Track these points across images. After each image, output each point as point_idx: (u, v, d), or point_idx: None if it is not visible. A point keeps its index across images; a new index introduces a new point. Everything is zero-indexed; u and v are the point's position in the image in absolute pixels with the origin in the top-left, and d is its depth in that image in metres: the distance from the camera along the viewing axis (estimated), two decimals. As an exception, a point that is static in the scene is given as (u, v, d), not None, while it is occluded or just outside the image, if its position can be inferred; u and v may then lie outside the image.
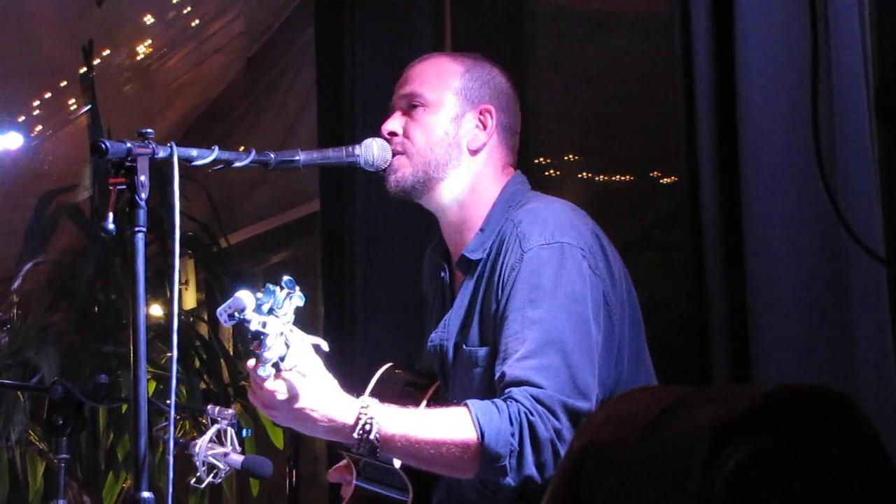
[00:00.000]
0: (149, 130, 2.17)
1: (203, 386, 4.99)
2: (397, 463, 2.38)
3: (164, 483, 2.07)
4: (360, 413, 2.24)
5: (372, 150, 2.50)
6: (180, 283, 5.81)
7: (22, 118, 5.93)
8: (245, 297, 2.03)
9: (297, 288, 2.08)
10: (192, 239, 5.18)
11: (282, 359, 2.11)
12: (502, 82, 2.58)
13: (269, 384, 2.18)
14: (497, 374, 2.29)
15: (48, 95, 5.87)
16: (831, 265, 2.34)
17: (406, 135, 2.52)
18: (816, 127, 2.18)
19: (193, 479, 2.67)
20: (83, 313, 5.05)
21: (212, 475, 2.67)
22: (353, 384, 2.31)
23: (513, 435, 2.20)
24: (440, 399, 2.48)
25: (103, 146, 2.11)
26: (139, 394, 2.05)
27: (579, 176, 4.22)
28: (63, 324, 5.04)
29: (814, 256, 2.36)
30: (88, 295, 5.06)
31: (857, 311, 2.30)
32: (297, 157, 2.43)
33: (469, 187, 2.52)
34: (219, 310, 2.05)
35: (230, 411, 2.74)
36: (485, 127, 2.53)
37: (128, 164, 2.12)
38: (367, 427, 2.23)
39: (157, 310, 5.03)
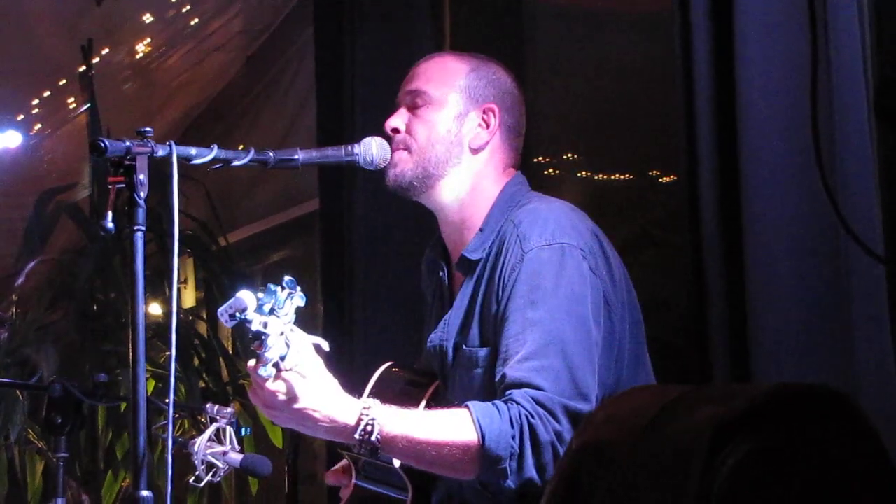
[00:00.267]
0: (148, 129, 2.17)
1: (202, 384, 4.99)
2: (397, 462, 2.38)
3: (162, 482, 2.07)
4: (362, 414, 2.24)
5: (371, 149, 2.50)
6: (179, 282, 5.81)
7: (21, 117, 5.93)
8: (246, 297, 2.03)
9: (298, 288, 2.08)
10: (192, 237, 5.18)
11: (282, 358, 2.11)
12: (508, 83, 2.58)
13: (271, 384, 2.18)
14: (498, 376, 2.29)
15: (47, 94, 5.87)
16: (831, 264, 2.34)
17: (409, 131, 2.52)
18: (816, 126, 2.18)
19: (192, 478, 2.66)
20: (82, 312, 5.04)
21: (211, 474, 2.66)
22: (352, 383, 2.31)
23: (513, 437, 2.20)
24: (440, 398, 2.48)
25: (102, 145, 2.11)
26: (138, 392, 2.05)
27: (578, 175, 4.22)
28: (62, 322, 5.04)
29: (813, 255, 2.36)
30: (88, 293, 5.06)
31: (856, 311, 2.30)
32: (296, 156, 2.43)
33: (469, 186, 2.52)
34: (220, 310, 2.05)
35: (229, 410, 2.74)
36: (487, 126, 2.53)
37: (127, 162, 2.12)
38: (369, 428, 2.23)
39: (156, 308, 5.03)
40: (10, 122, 5.87)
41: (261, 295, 2.04)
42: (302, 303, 2.09)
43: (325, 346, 2.22)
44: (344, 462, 2.67)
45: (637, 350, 2.45)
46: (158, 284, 4.79)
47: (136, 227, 2.10)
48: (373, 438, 2.23)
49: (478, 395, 2.34)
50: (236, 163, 2.35)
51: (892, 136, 2.36)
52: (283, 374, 2.16)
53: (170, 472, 2.07)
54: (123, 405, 4.24)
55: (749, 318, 2.40)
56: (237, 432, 2.73)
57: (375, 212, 3.91)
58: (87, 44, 5.33)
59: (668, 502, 0.98)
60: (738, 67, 2.43)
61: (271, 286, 2.05)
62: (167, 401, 2.13)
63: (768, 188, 2.39)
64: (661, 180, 3.87)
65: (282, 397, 2.19)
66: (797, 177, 2.36)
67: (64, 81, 5.75)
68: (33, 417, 4.64)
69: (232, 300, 2.03)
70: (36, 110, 5.94)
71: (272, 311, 2.05)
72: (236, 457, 2.66)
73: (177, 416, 4.31)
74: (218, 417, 2.71)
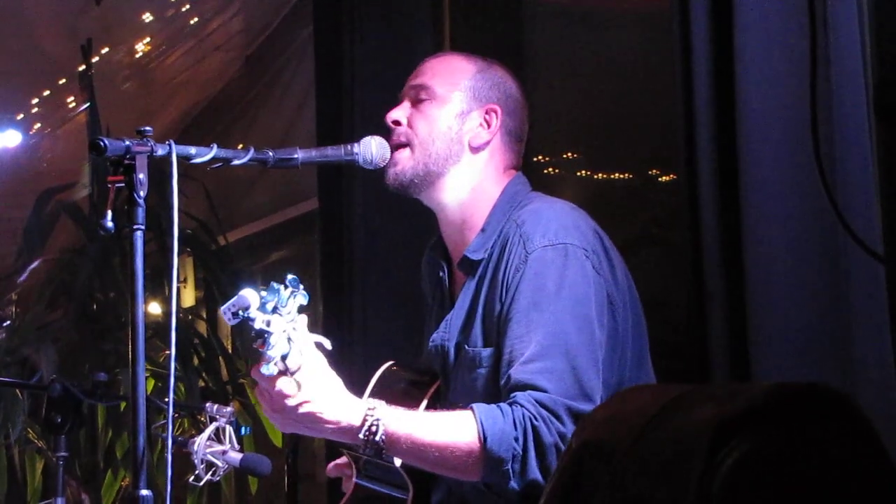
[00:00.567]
0: (147, 128, 2.17)
1: (201, 384, 4.99)
2: (398, 461, 2.38)
3: (162, 481, 2.06)
4: (367, 414, 2.24)
5: (370, 148, 2.50)
6: (179, 281, 5.81)
7: (21, 116, 5.93)
8: (249, 295, 2.03)
9: (301, 286, 2.08)
10: (191, 237, 5.18)
11: (284, 357, 2.11)
12: (512, 88, 2.59)
13: (279, 386, 2.17)
14: (503, 378, 2.29)
15: (47, 93, 5.87)
16: (830, 263, 2.34)
17: (410, 125, 2.52)
18: (815, 125, 2.18)
19: (192, 477, 2.67)
20: (82, 311, 5.04)
21: (210, 473, 2.66)
22: (352, 383, 2.31)
23: (516, 439, 2.20)
24: (441, 398, 2.48)
25: (102, 144, 2.11)
26: (138, 392, 2.05)
27: (578, 174, 4.22)
28: (62, 321, 5.04)
29: (813, 255, 2.36)
30: (87, 293, 5.06)
31: (856, 310, 2.30)
32: (295, 156, 2.43)
33: (470, 186, 2.52)
34: (223, 308, 2.05)
35: (228, 409, 2.74)
36: (489, 126, 2.53)
37: (126, 162, 2.12)
38: (374, 428, 2.23)
39: (155, 308, 5.03)
40: (10, 122, 5.87)
41: (264, 293, 2.04)
42: (305, 301, 2.09)
43: (328, 344, 2.22)
44: (344, 459, 2.67)
45: (639, 350, 2.45)
46: (158, 284, 4.79)
47: (135, 227, 2.09)
48: (377, 438, 2.23)
49: (480, 396, 2.34)
50: (236, 162, 2.35)
51: (891, 135, 2.35)
52: (292, 374, 2.16)
53: (169, 472, 2.07)
54: (123, 404, 4.24)
55: (748, 317, 2.40)
56: (237, 431, 2.73)
57: (375, 211, 3.91)
58: (86, 43, 5.33)
59: (668, 501, 0.98)
60: (738, 66, 2.43)
61: (274, 284, 2.05)
62: (167, 400, 2.13)
63: (768, 187, 2.39)
64: (660, 179, 3.87)
65: (290, 401, 2.19)
66: (797, 176, 2.36)
67: (63, 81, 5.75)
68: (33, 417, 4.64)
69: (235, 298, 2.03)
70: (35, 109, 5.95)
71: (275, 310, 2.05)
72: (236, 456, 2.66)
73: (176, 415, 4.31)
74: (217, 416, 2.71)
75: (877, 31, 2.34)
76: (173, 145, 2.20)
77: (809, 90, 2.19)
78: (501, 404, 2.24)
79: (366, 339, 3.92)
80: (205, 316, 5.72)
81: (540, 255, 2.33)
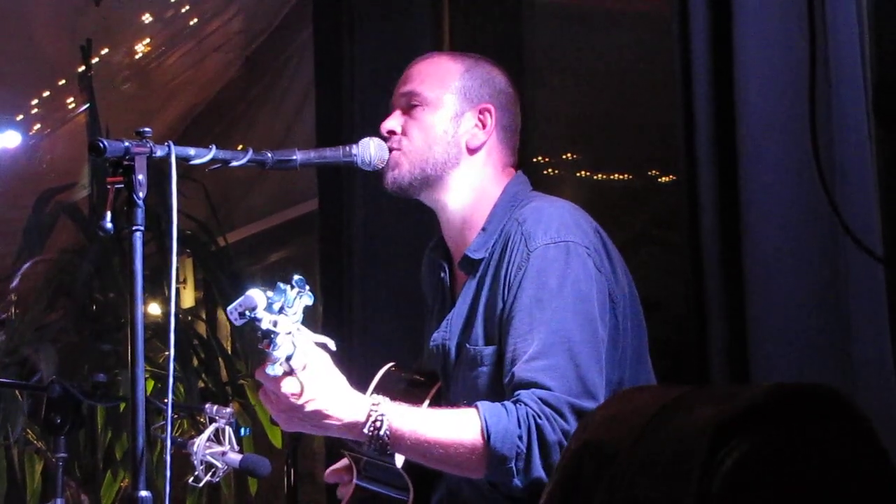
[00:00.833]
0: (147, 129, 2.16)
1: (201, 385, 4.99)
2: (399, 462, 2.38)
3: (161, 482, 2.06)
4: (371, 410, 2.24)
5: (369, 150, 2.50)
6: (178, 282, 5.83)
7: (20, 117, 5.93)
8: (256, 295, 2.02)
9: (307, 287, 2.07)
10: (191, 238, 5.18)
11: (289, 358, 2.11)
12: (502, 82, 2.58)
13: (284, 386, 2.17)
14: (506, 377, 2.29)
15: (46, 94, 5.87)
16: (829, 264, 2.34)
17: (405, 133, 2.51)
18: (814, 126, 2.18)
19: (191, 478, 2.67)
20: (81, 312, 5.04)
21: (210, 474, 2.66)
22: (352, 384, 2.31)
23: (520, 437, 2.20)
24: (442, 399, 2.48)
25: (101, 145, 2.10)
26: (137, 392, 2.05)
27: (577, 175, 4.23)
28: (61, 322, 5.04)
29: (812, 256, 2.36)
30: (86, 293, 5.06)
31: (855, 310, 2.30)
32: (294, 157, 2.43)
33: (469, 187, 2.52)
34: (229, 308, 2.04)
35: (228, 410, 2.74)
36: (484, 126, 2.52)
37: (126, 162, 2.12)
38: (378, 424, 2.23)
39: (155, 308, 5.03)
40: (10, 122, 5.87)
41: (270, 293, 2.04)
42: (310, 301, 2.08)
43: (332, 344, 2.21)
44: (343, 461, 2.67)
45: (639, 348, 2.45)
46: (157, 284, 4.79)
47: (134, 228, 2.09)
48: (381, 434, 2.23)
49: (481, 394, 2.34)
50: (235, 163, 2.34)
51: (891, 137, 2.36)
52: (297, 374, 2.16)
53: (168, 473, 2.07)
54: (122, 405, 4.25)
55: (748, 318, 2.40)
56: (236, 432, 2.73)
57: (374, 212, 3.91)
58: (86, 44, 5.33)
59: (668, 501, 0.98)
60: (737, 67, 2.43)
61: (281, 285, 2.05)
62: (166, 401, 2.12)
63: (767, 188, 2.40)
64: (660, 180, 3.87)
65: (296, 400, 2.19)
66: (796, 177, 2.36)
67: (63, 81, 5.75)
68: (32, 418, 4.63)
69: (242, 298, 2.03)
70: (35, 110, 5.95)
71: (281, 310, 2.05)
72: (235, 457, 2.66)
73: (176, 416, 4.31)
74: (217, 417, 2.71)
75: (876, 33, 2.35)
76: (172, 146, 2.20)
77: (809, 91, 2.20)
78: (505, 402, 2.24)
79: (365, 341, 3.92)
80: (204, 317, 5.72)
81: (542, 252, 2.33)
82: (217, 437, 2.69)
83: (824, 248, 2.34)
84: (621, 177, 4.12)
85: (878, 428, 1.06)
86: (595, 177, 4.18)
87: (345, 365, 2.29)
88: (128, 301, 2.09)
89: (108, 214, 2.07)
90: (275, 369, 2.12)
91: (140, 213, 2.10)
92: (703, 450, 0.97)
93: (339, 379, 2.25)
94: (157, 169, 2.17)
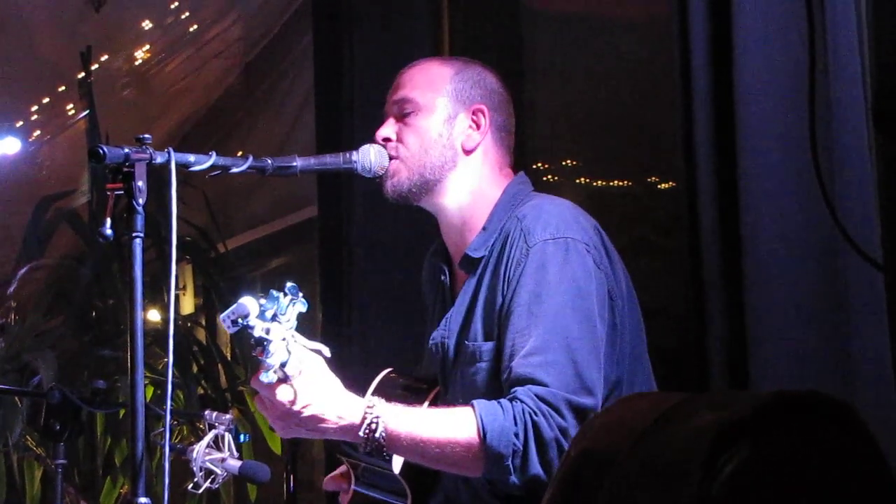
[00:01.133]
0: (146, 136, 2.17)
1: (200, 391, 4.99)
2: (396, 468, 2.38)
3: (161, 488, 2.06)
4: (367, 412, 2.24)
5: (369, 156, 2.50)
6: (178, 289, 5.83)
7: (20, 123, 5.94)
8: (249, 303, 2.03)
9: (301, 294, 2.08)
10: (190, 244, 5.18)
11: (283, 365, 2.11)
12: (494, 83, 2.58)
13: (280, 394, 2.18)
14: (504, 372, 2.29)
15: (46, 100, 5.87)
16: (829, 271, 2.34)
17: (400, 140, 2.52)
18: (814, 132, 2.18)
19: (191, 485, 2.66)
20: (81, 318, 5.04)
21: (209, 480, 2.66)
22: (351, 389, 2.31)
23: (516, 435, 2.20)
24: (440, 404, 2.48)
25: (101, 151, 2.11)
26: (136, 399, 2.05)
27: (577, 181, 4.22)
28: (61, 329, 5.04)
29: (811, 262, 2.36)
30: (86, 300, 5.06)
31: (854, 317, 2.30)
32: (294, 164, 2.43)
33: (468, 189, 2.52)
34: (222, 315, 2.05)
35: (227, 416, 2.74)
36: (478, 126, 2.53)
37: (126, 169, 2.12)
38: (373, 426, 2.23)
39: (154, 315, 5.03)
40: (9, 129, 5.88)
41: (263, 301, 2.04)
42: (304, 308, 2.09)
43: (327, 351, 2.22)
44: (342, 468, 2.67)
45: (637, 346, 2.45)
46: (157, 291, 4.78)
47: (134, 234, 2.09)
48: (377, 436, 2.23)
49: (480, 391, 2.34)
50: (235, 170, 2.35)
51: (891, 144, 2.36)
52: (291, 380, 2.16)
53: (167, 479, 2.07)
54: (122, 412, 4.25)
55: (747, 324, 2.40)
56: (236, 439, 2.73)
57: (374, 218, 3.91)
58: (86, 50, 5.34)
59: (668, 507, 0.98)
60: (737, 73, 2.43)
61: (273, 292, 2.05)
62: (165, 407, 2.12)
63: (766, 194, 2.40)
64: (659, 187, 3.87)
65: (291, 406, 2.19)
66: (795, 183, 2.36)
67: (63, 88, 5.75)
68: (32, 424, 4.63)
69: (234, 306, 2.03)
70: (35, 117, 5.95)
71: (274, 317, 2.05)
72: (235, 463, 2.66)
73: (175, 422, 4.31)
74: (216, 424, 2.71)
75: (875, 39, 2.35)
76: (172, 153, 2.20)
77: (808, 97, 2.20)
78: (502, 400, 2.24)
79: (364, 346, 3.92)
80: (204, 323, 5.72)
81: (541, 248, 2.33)
82: (216, 444, 2.69)
83: (823, 254, 2.34)
84: (621, 183, 4.12)
85: (878, 433, 1.06)
86: (594, 183, 4.18)
87: (343, 371, 2.29)
88: (127, 307, 2.09)
89: (108, 221, 2.07)
90: (269, 376, 2.12)
91: (140, 220, 2.10)
92: (704, 455, 0.97)
93: (333, 383, 2.25)
94: (157, 175, 2.17)
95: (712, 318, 2.49)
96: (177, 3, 5.49)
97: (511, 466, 2.21)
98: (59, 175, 6.02)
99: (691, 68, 2.53)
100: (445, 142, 2.51)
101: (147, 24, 5.60)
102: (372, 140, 2.54)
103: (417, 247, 3.09)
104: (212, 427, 2.71)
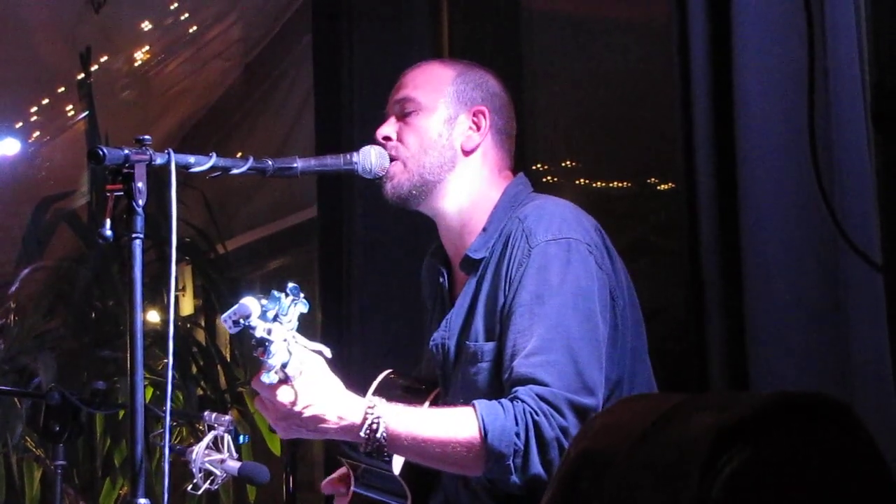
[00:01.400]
0: (146, 137, 2.17)
1: (200, 392, 4.99)
2: (396, 469, 2.38)
3: (160, 489, 2.06)
4: (367, 412, 2.24)
5: (369, 158, 2.50)
6: (177, 290, 5.83)
7: (19, 124, 5.94)
8: (250, 303, 2.03)
9: (302, 294, 2.08)
10: (190, 245, 5.18)
11: (284, 365, 2.11)
12: (495, 86, 2.59)
13: (280, 395, 2.18)
14: (505, 372, 2.30)
15: (46, 101, 5.87)
16: (828, 272, 2.34)
17: (400, 139, 2.52)
18: (813, 133, 2.18)
19: (190, 486, 2.66)
20: (80, 319, 5.05)
21: (208, 482, 2.66)
22: (351, 390, 2.31)
23: (517, 434, 2.20)
24: (440, 405, 2.48)
25: (101, 153, 2.11)
26: (136, 400, 2.05)
27: (576, 182, 4.23)
28: (60, 330, 5.04)
29: (811, 263, 2.36)
30: (86, 301, 5.06)
31: (854, 318, 2.30)
32: (294, 165, 2.43)
33: (467, 190, 2.52)
34: (223, 316, 2.05)
35: (227, 417, 2.74)
36: (478, 128, 2.53)
37: (125, 170, 2.12)
38: (374, 426, 2.23)
39: (154, 316, 5.03)
40: (9, 130, 5.88)
41: (264, 301, 2.04)
42: (305, 309, 2.09)
43: (328, 352, 2.22)
44: (341, 471, 2.67)
45: (638, 347, 2.45)
46: (156, 292, 4.78)
47: (134, 235, 2.09)
48: (378, 435, 2.23)
49: (481, 391, 2.34)
50: (235, 171, 2.35)
51: (890, 145, 2.36)
52: (292, 381, 2.16)
53: (167, 480, 2.07)
54: (121, 413, 4.24)
55: (746, 325, 2.40)
56: (235, 440, 2.73)
57: (373, 220, 3.91)
58: (85, 51, 5.34)
59: (667, 508, 0.98)
60: (736, 74, 2.43)
61: (275, 293, 2.05)
62: (165, 408, 2.12)
63: (766, 196, 2.40)
64: (659, 188, 3.87)
65: (294, 407, 2.19)
66: (795, 184, 2.36)
67: (62, 89, 5.75)
68: (31, 425, 4.63)
69: (236, 307, 2.03)
70: (34, 118, 5.95)
71: (276, 318, 2.05)
72: (234, 464, 2.66)
73: (174, 423, 4.31)
74: (216, 425, 2.71)
75: (875, 40, 2.35)
76: (172, 154, 2.20)
77: (808, 98, 2.20)
78: (503, 400, 2.24)
79: (364, 348, 3.92)
80: (203, 324, 5.72)
81: (543, 248, 2.33)
82: (216, 445, 2.69)
83: (823, 255, 2.34)
84: (620, 184, 4.12)
85: (877, 435, 1.06)
86: (594, 184, 4.19)
87: (343, 371, 2.29)
88: (127, 308, 2.09)
89: (108, 222, 2.07)
90: (270, 377, 2.12)
91: (139, 221, 2.10)
92: (703, 457, 0.97)
93: (334, 383, 2.25)
94: (157, 176, 2.17)
95: (712, 319, 2.50)
96: (176, 4, 5.49)
97: (512, 466, 2.21)
98: (59, 176, 6.02)
99: (691, 69, 2.53)
100: (445, 142, 2.51)
101: (147, 25, 5.60)
102: (372, 139, 2.54)
103: (417, 248, 3.09)
104: (211, 428, 2.71)
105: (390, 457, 2.33)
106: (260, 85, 6.02)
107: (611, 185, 4.16)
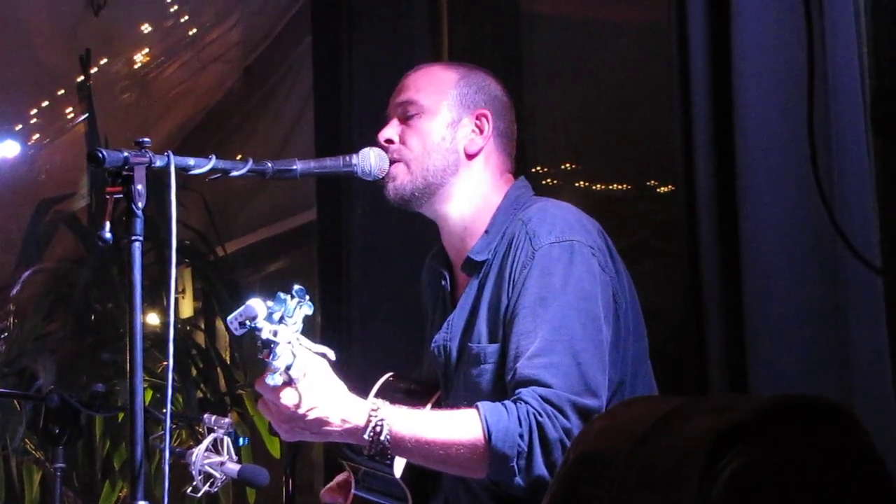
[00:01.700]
0: (146, 139, 2.17)
1: (200, 395, 4.98)
2: (397, 472, 2.38)
3: (160, 492, 2.06)
4: (371, 415, 2.24)
5: (369, 160, 2.50)
6: (177, 292, 5.83)
7: (19, 127, 5.93)
8: (256, 305, 2.03)
9: (307, 296, 2.08)
10: (189, 248, 5.18)
11: (288, 368, 2.11)
12: (497, 89, 2.59)
13: (284, 397, 2.18)
14: (508, 374, 2.30)
15: (45, 104, 5.87)
16: (828, 275, 2.34)
17: (402, 142, 2.52)
18: (812, 136, 2.19)
19: (190, 489, 2.66)
20: (80, 322, 5.04)
21: (208, 484, 2.66)
22: (352, 393, 2.31)
23: (521, 436, 2.20)
24: (442, 407, 2.48)
25: (100, 155, 2.11)
26: (135, 402, 2.05)
27: (576, 184, 4.23)
28: (60, 332, 5.04)
29: (810, 266, 2.37)
30: (85, 303, 5.06)
31: (853, 321, 2.30)
32: (294, 167, 2.43)
33: (469, 193, 2.52)
34: (229, 318, 2.05)
35: (227, 420, 2.74)
36: (481, 131, 2.53)
37: (125, 173, 2.12)
38: (378, 429, 2.23)
39: (153, 318, 5.03)
40: (9, 132, 5.88)
41: (270, 303, 2.04)
42: (310, 311, 2.09)
43: (332, 354, 2.22)
44: (339, 478, 2.67)
45: (640, 349, 2.46)
46: (156, 294, 4.79)
47: (133, 238, 2.09)
48: (382, 438, 2.23)
49: (483, 393, 2.34)
50: (234, 173, 2.35)
51: (889, 148, 2.36)
52: (296, 383, 2.16)
53: (167, 483, 2.07)
54: (121, 415, 4.25)
55: (746, 327, 2.41)
56: (235, 442, 2.73)
57: (373, 222, 3.91)
58: (85, 54, 5.34)
59: (667, 510, 0.98)
60: (735, 77, 2.43)
61: (281, 294, 2.05)
62: (165, 411, 2.12)
63: (765, 198, 2.40)
64: (658, 190, 3.87)
65: (298, 409, 2.19)
66: (794, 187, 2.36)
67: (62, 91, 5.75)
68: (31, 428, 4.63)
69: (242, 308, 2.03)
70: (34, 120, 5.95)
71: (282, 320, 2.05)
72: (234, 467, 2.66)
73: (174, 426, 4.31)
74: (215, 427, 2.71)
75: (874, 43, 2.35)
76: (172, 156, 2.20)
77: (807, 101, 2.20)
78: (506, 402, 2.24)
79: (364, 350, 3.92)
80: (203, 327, 5.72)
81: (547, 251, 2.33)
82: (215, 448, 2.69)
83: (823, 258, 2.34)
84: (620, 187, 4.12)
85: (877, 438, 1.06)
86: (594, 186, 4.19)
87: (344, 374, 2.29)
88: (127, 311, 2.09)
89: (107, 224, 2.07)
90: (275, 379, 2.12)
91: (139, 224, 2.10)
92: (702, 460, 0.97)
93: (338, 385, 2.25)
94: (157, 179, 2.17)
95: (711, 322, 2.50)
96: (176, 7, 5.50)
97: (516, 467, 2.21)
98: (59, 178, 6.02)
99: (690, 72, 2.53)
100: (448, 145, 2.51)
101: (146, 28, 5.60)
102: (373, 142, 2.54)
103: (416, 250, 3.09)
104: (211, 431, 2.71)
105: (392, 459, 2.33)
106: (259, 87, 6.02)
107: (611, 187, 4.16)
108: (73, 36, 5.42)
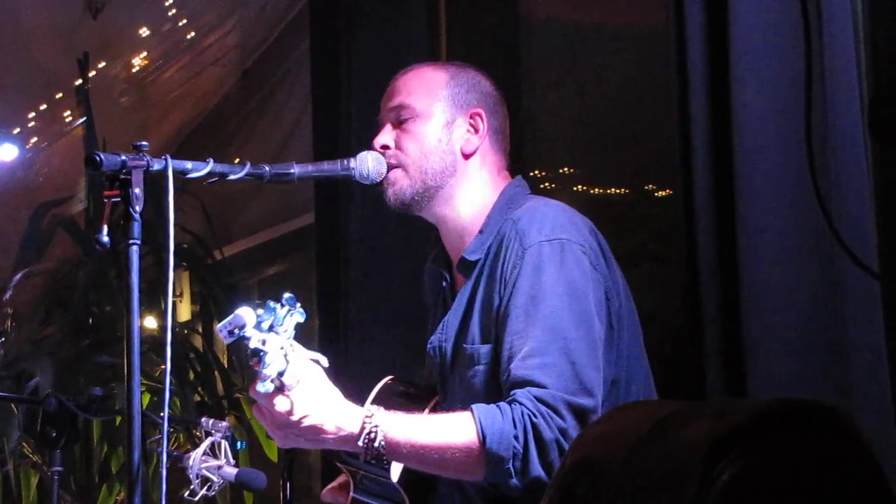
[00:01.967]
0: (144, 143, 2.17)
1: (197, 398, 4.98)
2: (395, 476, 2.38)
3: (157, 496, 2.06)
4: (365, 421, 2.24)
5: (367, 163, 2.50)
6: (175, 296, 5.83)
7: (17, 130, 5.94)
8: (245, 313, 2.02)
9: (298, 304, 2.07)
10: (187, 251, 5.18)
11: (280, 374, 2.11)
12: (488, 86, 2.59)
13: (278, 404, 2.17)
14: (503, 375, 2.29)
15: (43, 107, 5.88)
16: (825, 279, 2.34)
17: (399, 147, 2.52)
18: (810, 140, 2.19)
19: (187, 492, 2.66)
20: (77, 325, 5.04)
21: (205, 488, 2.66)
22: (350, 397, 2.31)
23: (516, 437, 2.19)
24: (440, 410, 2.47)
25: (98, 159, 2.11)
26: (133, 406, 2.05)
27: (574, 189, 4.23)
28: (57, 335, 5.04)
29: (808, 270, 2.37)
30: (83, 307, 5.06)
31: (851, 323, 2.31)
32: (291, 171, 2.43)
33: (468, 193, 2.52)
34: (218, 326, 2.04)
35: (224, 424, 2.74)
36: (476, 130, 2.53)
37: (122, 176, 2.12)
38: (372, 435, 2.23)
39: (151, 322, 5.03)
40: (7, 136, 5.88)
41: (260, 312, 2.03)
42: (302, 319, 2.08)
43: (325, 361, 2.21)
44: (341, 478, 2.67)
45: (635, 347, 2.45)
46: (154, 298, 4.79)
47: (131, 241, 2.09)
48: (377, 445, 2.23)
49: (478, 394, 2.34)
50: (232, 177, 2.35)
51: (887, 152, 2.36)
52: (289, 390, 2.16)
53: (164, 487, 2.07)
54: (118, 419, 4.24)
55: (744, 331, 2.41)
56: (232, 446, 2.73)
57: (371, 226, 3.91)
58: (83, 57, 5.34)
59: (664, 516, 0.98)
60: (733, 81, 2.44)
61: (270, 303, 2.04)
62: (162, 414, 2.12)
63: (763, 202, 2.40)
64: (656, 194, 3.88)
65: (292, 416, 2.19)
66: (792, 191, 2.36)
67: (60, 95, 5.76)
68: (28, 431, 4.63)
69: (231, 317, 2.03)
70: (32, 124, 5.95)
71: (271, 328, 2.04)
72: (231, 470, 2.66)
73: (172, 429, 4.31)
74: (213, 431, 2.71)
75: (872, 47, 2.35)
76: (169, 160, 2.20)
77: (805, 105, 2.20)
78: (501, 403, 2.24)
79: (363, 354, 3.91)
80: (200, 330, 5.72)
81: (537, 250, 2.33)
82: (213, 451, 2.69)
83: (820, 262, 2.34)
84: (618, 191, 4.12)
85: (875, 442, 1.06)
86: (592, 190, 4.19)
87: (341, 378, 2.29)
88: (124, 314, 2.09)
89: (105, 228, 2.07)
90: (266, 386, 2.11)
91: (137, 227, 2.10)
92: (699, 464, 0.97)
93: (332, 392, 2.25)
94: (154, 182, 2.17)
95: (709, 325, 2.50)
96: (174, 11, 5.50)
97: (512, 469, 2.21)
98: (56, 182, 6.02)
99: (688, 76, 2.54)
100: (445, 147, 2.51)
101: (144, 31, 5.60)
102: (370, 147, 2.54)
103: (415, 254, 3.09)
104: (208, 434, 2.71)
105: (389, 465, 2.32)
106: (257, 91, 6.03)
107: (609, 191, 4.16)
108: (72, 39, 5.42)
